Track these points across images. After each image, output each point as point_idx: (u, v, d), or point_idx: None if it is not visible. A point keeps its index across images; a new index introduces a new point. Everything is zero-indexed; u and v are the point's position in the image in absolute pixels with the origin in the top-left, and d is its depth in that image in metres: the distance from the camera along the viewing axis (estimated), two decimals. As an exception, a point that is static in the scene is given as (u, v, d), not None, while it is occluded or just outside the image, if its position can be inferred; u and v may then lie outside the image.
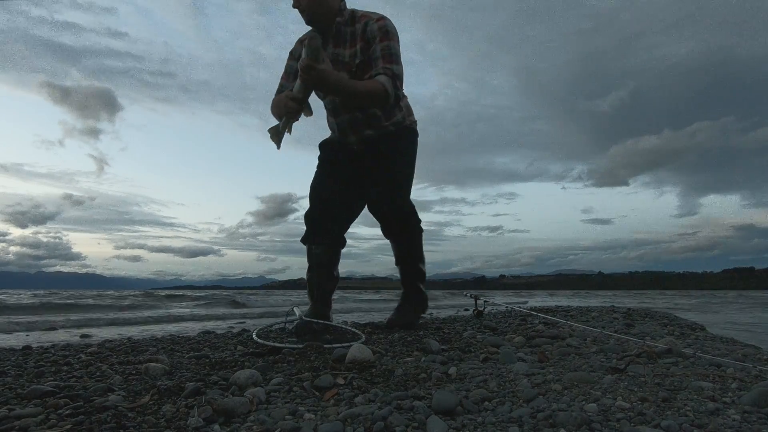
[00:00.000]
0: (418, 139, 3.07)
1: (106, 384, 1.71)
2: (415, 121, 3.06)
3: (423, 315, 3.44)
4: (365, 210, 3.10)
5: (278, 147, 2.89)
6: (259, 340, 2.63)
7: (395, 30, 2.75)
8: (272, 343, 2.54)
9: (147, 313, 8.90)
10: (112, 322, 6.88)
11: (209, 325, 6.35)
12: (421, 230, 3.20)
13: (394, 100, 2.69)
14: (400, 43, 2.74)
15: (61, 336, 4.88)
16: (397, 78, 2.66)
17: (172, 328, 6.02)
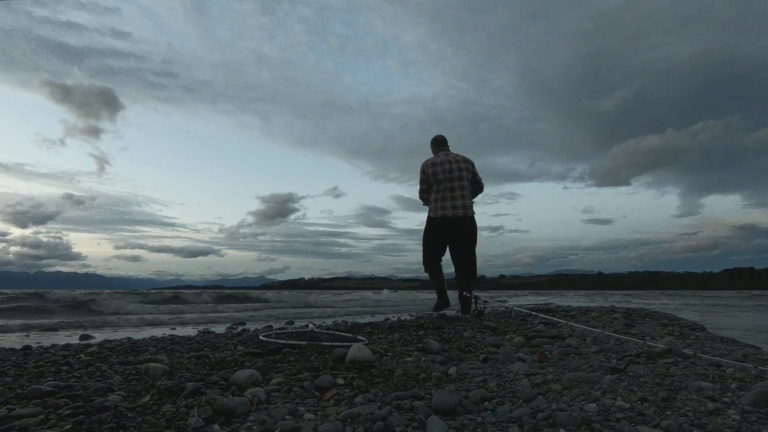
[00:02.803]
0: (428, 221, 4.87)
1: (106, 384, 1.71)
2: (432, 210, 4.83)
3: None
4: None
5: None
6: (264, 339, 2.71)
7: (422, 167, 4.93)
8: (275, 340, 2.58)
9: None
10: (112, 322, 6.88)
11: (209, 324, 6.35)
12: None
13: (422, 195, 5.02)
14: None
15: (61, 336, 4.88)
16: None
17: (171, 327, 6.02)
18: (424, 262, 4.93)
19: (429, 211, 4.88)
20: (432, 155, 5.03)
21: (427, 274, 4.98)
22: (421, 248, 4.96)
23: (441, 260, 4.94)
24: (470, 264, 4.74)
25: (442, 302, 4.88)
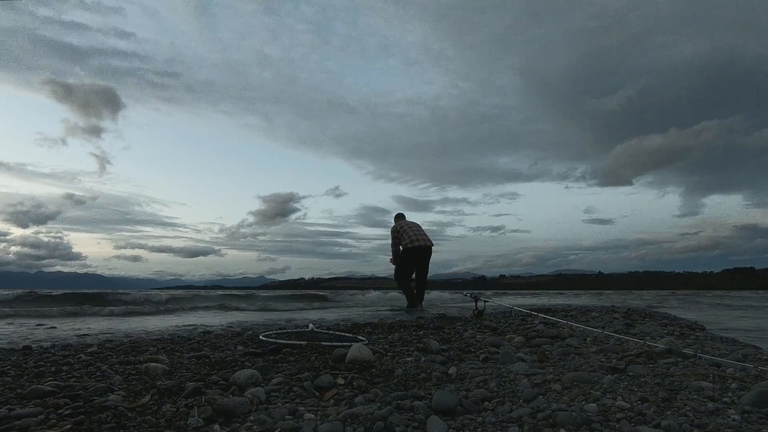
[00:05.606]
0: (404, 251, 7.24)
1: (106, 384, 1.71)
2: (406, 244, 7.19)
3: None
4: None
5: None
6: (264, 339, 2.72)
7: (392, 229, 7.63)
8: (275, 340, 2.58)
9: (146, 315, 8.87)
10: (111, 323, 6.87)
11: (209, 324, 6.34)
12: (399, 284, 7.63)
13: (394, 248, 7.55)
14: None
15: (61, 336, 4.87)
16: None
17: (171, 327, 6.01)
18: (400, 280, 7.31)
19: (403, 247, 7.19)
20: (395, 224, 7.62)
21: (398, 285, 7.54)
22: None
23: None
24: (426, 281, 7.38)
25: (413, 302, 7.19)
